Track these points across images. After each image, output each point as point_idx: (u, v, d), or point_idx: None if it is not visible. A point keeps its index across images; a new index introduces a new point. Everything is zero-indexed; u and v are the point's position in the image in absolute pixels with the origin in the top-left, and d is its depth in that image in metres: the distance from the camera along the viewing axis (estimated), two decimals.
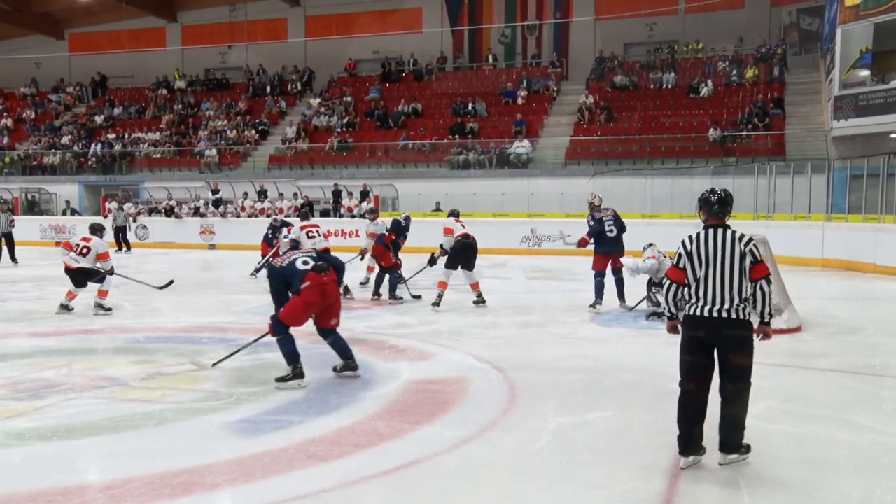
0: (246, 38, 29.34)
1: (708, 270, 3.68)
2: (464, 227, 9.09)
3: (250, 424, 4.45)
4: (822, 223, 14.46)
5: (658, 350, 6.64)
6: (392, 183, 21.77)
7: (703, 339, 3.70)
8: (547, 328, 7.75)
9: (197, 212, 21.29)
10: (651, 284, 8.39)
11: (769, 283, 3.69)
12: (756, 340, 3.74)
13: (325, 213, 20.63)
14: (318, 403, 4.89)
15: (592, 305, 8.70)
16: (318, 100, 26.68)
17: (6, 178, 26.24)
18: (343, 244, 16.67)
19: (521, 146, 21.96)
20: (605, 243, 8.75)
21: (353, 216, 19.82)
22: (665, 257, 8.26)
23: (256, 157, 25.15)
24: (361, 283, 11.03)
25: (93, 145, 26.84)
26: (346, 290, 9.95)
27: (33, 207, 25.48)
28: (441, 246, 9.07)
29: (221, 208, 21.41)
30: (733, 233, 3.72)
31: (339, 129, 24.82)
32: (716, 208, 3.79)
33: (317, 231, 10.22)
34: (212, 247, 20.17)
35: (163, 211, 22.00)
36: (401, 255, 10.05)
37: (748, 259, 3.66)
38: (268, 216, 20.32)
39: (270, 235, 12.39)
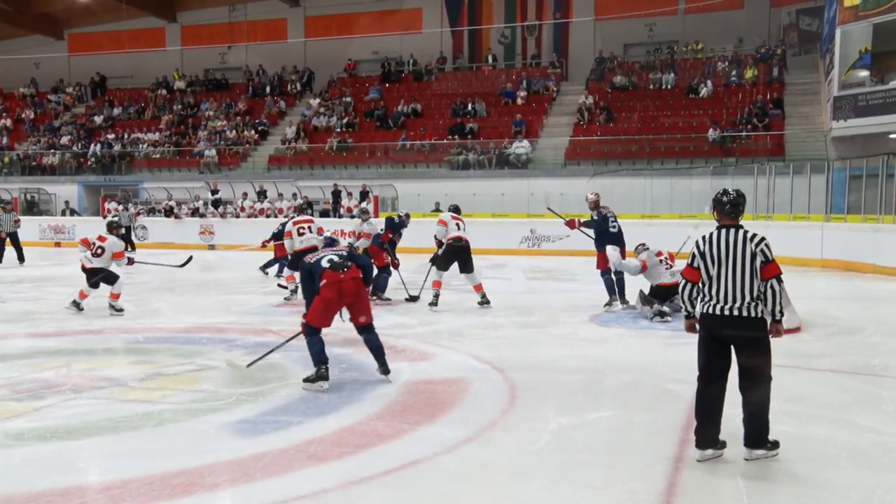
0: (245, 38, 29.35)
1: (720, 269, 3.78)
2: (459, 227, 9.04)
3: (250, 425, 4.45)
4: (821, 223, 14.46)
5: (658, 350, 6.65)
6: (392, 183, 21.77)
7: (718, 337, 3.81)
8: (547, 328, 7.75)
9: (196, 212, 21.28)
10: (645, 300, 8.32)
11: (780, 282, 3.77)
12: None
13: (324, 214, 20.61)
14: (317, 404, 4.88)
15: (609, 304, 8.76)
16: (317, 100, 26.68)
17: (5, 179, 26.23)
18: (342, 244, 16.59)
19: (520, 146, 21.97)
20: (609, 240, 8.80)
21: (352, 216, 19.81)
22: (658, 262, 8.24)
23: (256, 157, 25.15)
24: None
25: (92, 145, 26.84)
26: None
27: (32, 208, 25.47)
28: (435, 237, 9.13)
29: (221, 209, 21.40)
30: (745, 232, 3.81)
31: (338, 130, 24.82)
32: (728, 209, 3.89)
33: (308, 228, 10.04)
34: (211, 247, 20.16)
35: (162, 211, 21.99)
36: (399, 256, 10.04)
37: (759, 258, 3.74)
38: (267, 216, 20.36)
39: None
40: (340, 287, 5.31)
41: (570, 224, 9.29)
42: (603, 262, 8.83)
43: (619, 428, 4.42)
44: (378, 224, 10.59)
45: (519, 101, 24.37)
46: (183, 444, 4.14)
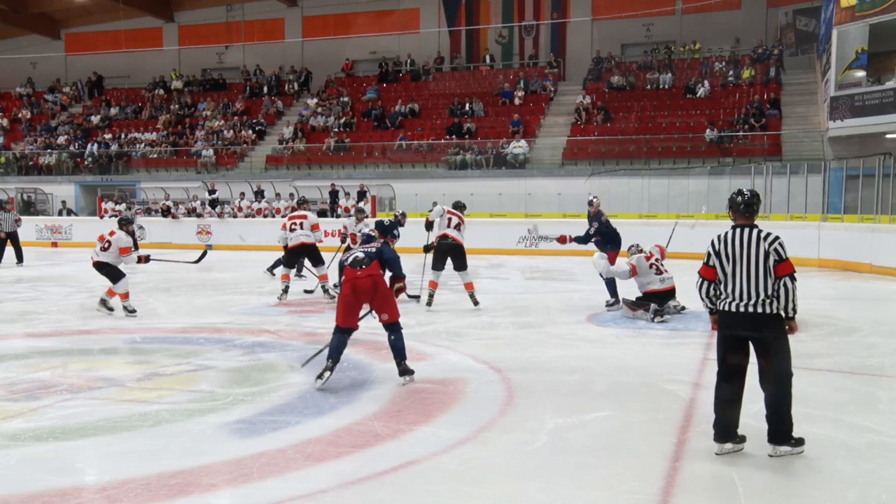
0: (243, 38, 29.34)
1: (735, 268, 3.89)
2: (451, 224, 9.06)
3: (247, 425, 4.44)
4: (818, 223, 14.49)
5: (656, 350, 6.65)
6: (389, 183, 21.76)
7: (736, 333, 3.90)
8: (544, 329, 7.75)
9: (194, 212, 21.24)
10: (635, 305, 8.31)
11: (793, 280, 3.85)
12: None
13: (322, 214, 20.55)
14: (314, 404, 4.88)
15: (611, 304, 8.82)
16: (315, 100, 26.66)
17: (2, 179, 26.16)
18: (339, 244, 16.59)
19: (518, 146, 21.98)
20: (611, 242, 9.09)
21: (349, 216, 19.79)
22: (648, 267, 8.22)
23: (253, 157, 25.13)
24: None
25: (89, 145, 26.78)
26: (322, 290, 9.84)
27: (29, 208, 25.41)
28: (427, 219, 9.32)
29: (218, 209, 21.37)
30: (759, 232, 3.90)
31: (336, 130, 24.81)
32: (742, 209, 4.00)
33: (300, 224, 9.88)
34: (209, 247, 20.12)
35: (159, 211, 21.95)
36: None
37: (772, 257, 3.84)
38: (264, 216, 20.35)
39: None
40: (355, 284, 5.33)
41: (562, 240, 9.48)
42: (612, 261, 8.99)
43: (617, 428, 4.42)
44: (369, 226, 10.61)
45: (516, 101, 24.38)
46: (180, 445, 4.13)
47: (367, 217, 11.03)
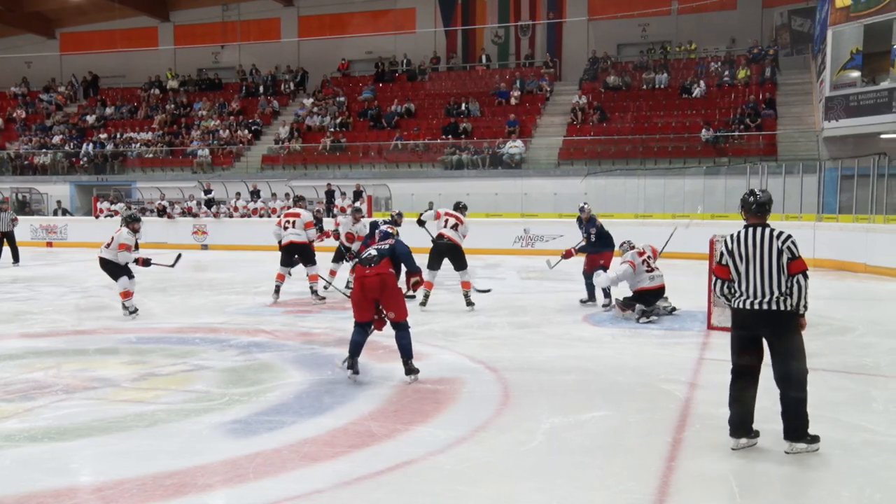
0: (239, 37, 29.30)
1: (748, 266, 3.95)
2: (447, 223, 9.06)
3: (243, 425, 4.44)
4: (813, 223, 14.53)
5: (652, 350, 6.66)
6: (385, 183, 21.76)
7: (750, 330, 3.95)
8: (541, 328, 7.76)
9: (189, 212, 21.20)
10: (625, 304, 8.32)
11: (806, 277, 3.91)
12: None
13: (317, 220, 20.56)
14: (311, 404, 4.88)
15: (606, 304, 8.87)
16: (311, 100, 26.65)
17: None
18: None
19: (514, 146, 21.99)
20: (606, 243, 9.20)
21: (346, 216, 19.77)
22: (642, 263, 8.21)
23: (249, 157, 25.10)
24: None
25: (84, 145, 26.72)
26: (311, 291, 9.76)
27: (24, 207, 25.34)
28: (420, 215, 9.51)
29: (214, 208, 21.33)
30: (771, 231, 3.97)
31: (332, 130, 24.79)
32: (753, 208, 4.08)
33: (292, 223, 9.78)
34: (204, 247, 20.09)
35: (155, 211, 21.90)
36: None
37: (785, 255, 3.90)
38: (260, 216, 20.31)
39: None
40: (363, 282, 5.38)
41: (567, 255, 9.69)
42: (603, 262, 9.06)
43: (613, 427, 4.43)
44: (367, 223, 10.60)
45: (512, 101, 24.39)
46: (175, 445, 4.12)
47: (363, 216, 11.01)
